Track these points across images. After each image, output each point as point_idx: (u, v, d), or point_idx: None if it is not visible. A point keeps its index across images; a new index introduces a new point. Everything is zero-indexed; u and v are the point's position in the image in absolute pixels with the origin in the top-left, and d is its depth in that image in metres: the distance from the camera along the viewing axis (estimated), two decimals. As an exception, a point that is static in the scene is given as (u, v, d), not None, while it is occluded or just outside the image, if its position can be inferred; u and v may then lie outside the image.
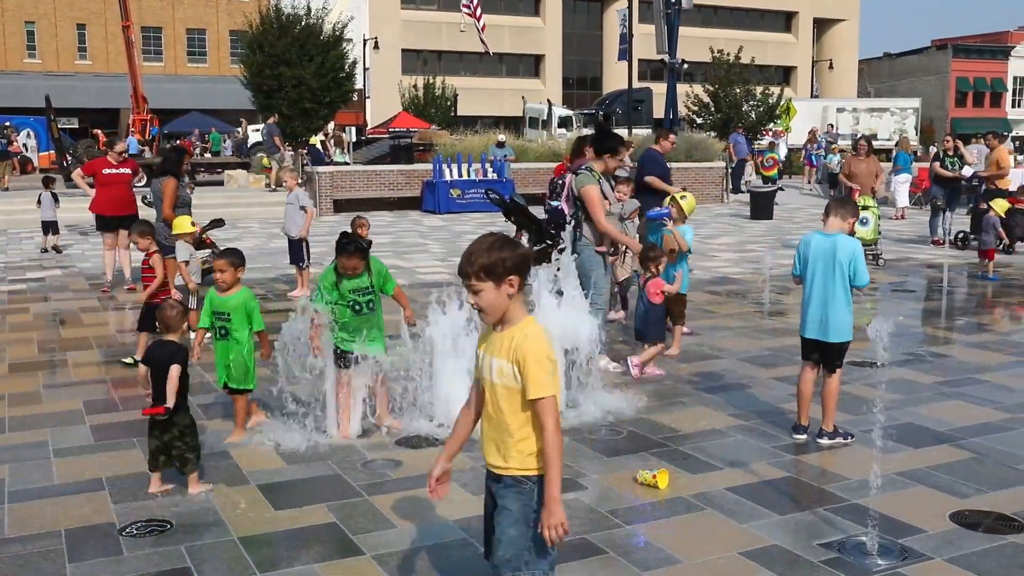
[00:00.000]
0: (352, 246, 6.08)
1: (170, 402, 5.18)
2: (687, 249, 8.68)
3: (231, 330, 6.16)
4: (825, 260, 5.89)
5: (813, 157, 31.24)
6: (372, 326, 6.28)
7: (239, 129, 39.95)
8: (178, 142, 40.34)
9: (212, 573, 4.32)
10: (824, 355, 6.04)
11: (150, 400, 5.33)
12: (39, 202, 16.37)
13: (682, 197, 9.12)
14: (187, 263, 8.79)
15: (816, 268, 5.94)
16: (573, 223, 7.73)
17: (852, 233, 6.10)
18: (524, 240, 12.23)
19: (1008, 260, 14.75)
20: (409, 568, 4.35)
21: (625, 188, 9.12)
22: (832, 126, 36.75)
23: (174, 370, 5.18)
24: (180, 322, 5.45)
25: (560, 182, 7.75)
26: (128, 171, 12.40)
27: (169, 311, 5.46)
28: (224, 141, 45.32)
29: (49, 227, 16.09)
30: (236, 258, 6.30)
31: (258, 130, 44.02)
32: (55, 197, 16.36)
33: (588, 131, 37.86)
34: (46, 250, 15.96)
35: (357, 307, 6.20)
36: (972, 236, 16.30)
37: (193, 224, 9.10)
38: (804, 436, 6.19)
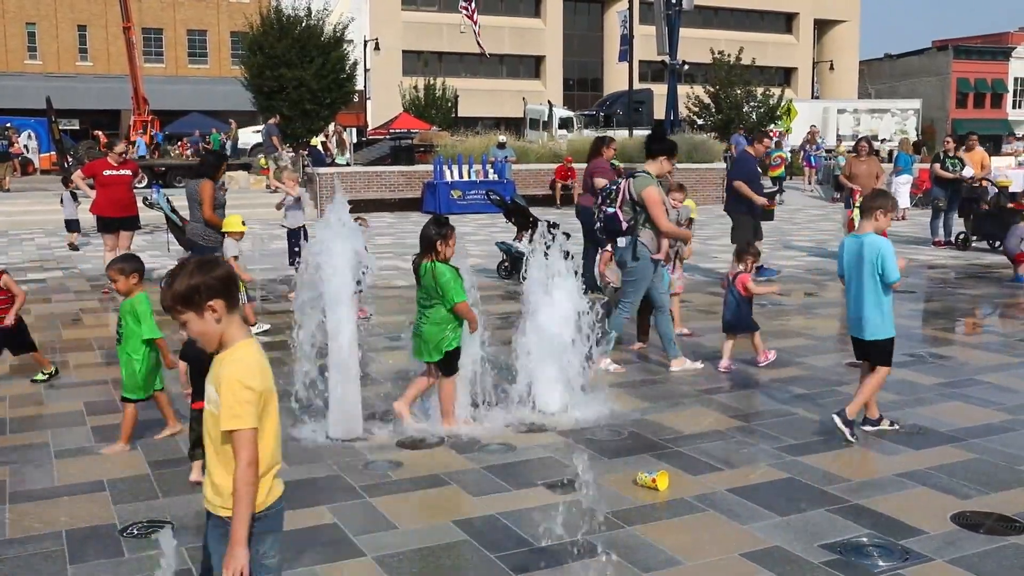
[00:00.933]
0: (447, 228, 6.13)
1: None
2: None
3: (124, 336, 6.01)
4: (857, 260, 6.09)
5: (812, 158, 31.19)
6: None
7: (228, 130, 39.75)
8: (178, 143, 40.45)
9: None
10: (865, 352, 6.22)
11: (189, 398, 5.38)
12: (62, 202, 17.27)
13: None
14: (236, 259, 9.21)
15: (851, 269, 6.16)
16: (628, 228, 7.66)
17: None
18: (525, 241, 12.26)
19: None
20: (409, 569, 4.34)
21: (679, 195, 9.22)
22: (815, 127, 36.51)
23: None
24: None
25: (614, 188, 7.76)
26: (128, 172, 12.39)
27: None
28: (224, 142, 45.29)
29: (72, 225, 16.82)
30: (128, 264, 6.12)
31: (258, 131, 44.03)
32: (73, 196, 16.90)
33: (589, 132, 38.06)
34: (75, 247, 16.60)
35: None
36: (974, 237, 16.31)
37: (243, 223, 9.58)
38: (872, 427, 6.30)
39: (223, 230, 9.56)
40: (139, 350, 6.01)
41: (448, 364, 6.25)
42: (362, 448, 6.00)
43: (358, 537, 4.68)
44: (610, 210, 7.65)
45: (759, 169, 12.26)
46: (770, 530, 4.74)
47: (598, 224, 7.87)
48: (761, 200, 11.92)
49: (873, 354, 6.18)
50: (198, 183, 10.14)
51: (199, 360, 5.23)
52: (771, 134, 37.26)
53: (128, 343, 6.02)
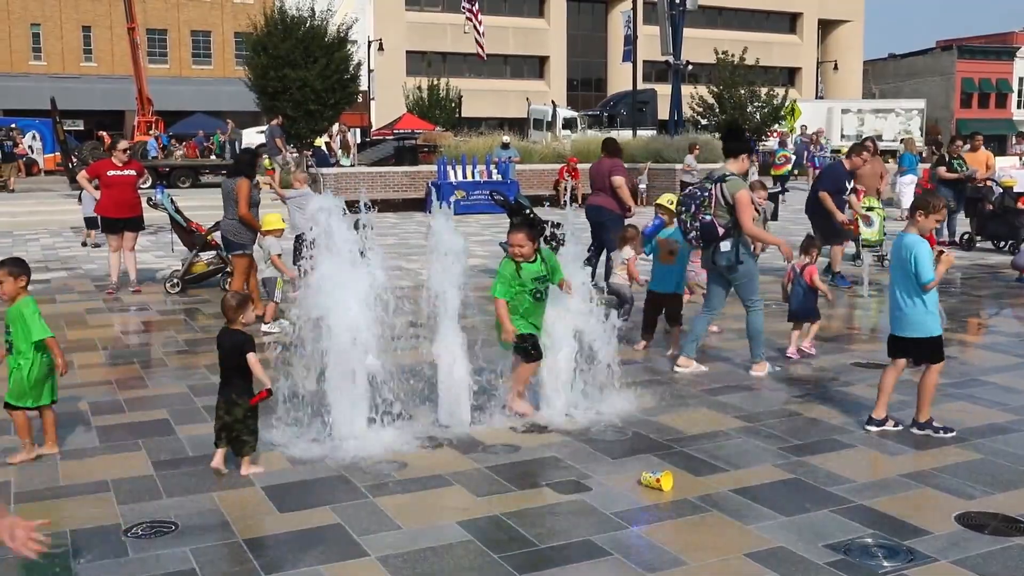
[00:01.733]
0: (518, 218, 6.26)
1: (267, 382, 5.60)
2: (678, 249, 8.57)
3: (13, 343, 5.86)
4: (896, 259, 6.28)
5: (816, 159, 31.11)
6: (542, 313, 6.61)
7: (226, 130, 39.65)
8: (184, 144, 40.50)
9: (217, 574, 4.32)
10: (906, 351, 6.32)
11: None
12: (80, 200, 17.47)
13: (669, 202, 9.09)
14: (280, 256, 9.64)
15: (892, 268, 6.38)
16: (726, 232, 7.58)
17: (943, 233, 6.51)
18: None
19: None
20: (413, 570, 4.35)
21: (763, 193, 9.31)
22: (805, 127, 36.39)
23: (251, 357, 5.53)
24: (236, 313, 5.65)
25: (705, 194, 7.64)
26: (133, 172, 12.35)
27: (230, 300, 5.72)
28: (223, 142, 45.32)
29: (91, 223, 16.83)
30: (14, 267, 5.98)
31: (262, 132, 44.03)
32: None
33: (593, 132, 38.08)
34: (98, 245, 16.82)
35: (538, 294, 6.50)
36: (978, 237, 16.29)
37: (283, 220, 9.94)
38: (875, 428, 6.33)
39: (264, 229, 9.84)
40: (28, 354, 5.78)
41: (523, 351, 6.50)
42: (366, 448, 5.99)
43: (362, 537, 4.68)
44: (707, 218, 7.56)
45: (847, 184, 12.11)
46: (774, 530, 4.74)
47: (693, 233, 7.70)
48: (841, 217, 11.73)
49: (912, 351, 6.30)
50: (235, 181, 10.35)
51: (229, 353, 5.58)
52: (775, 134, 37.33)
53: (20, 347, 5.79)
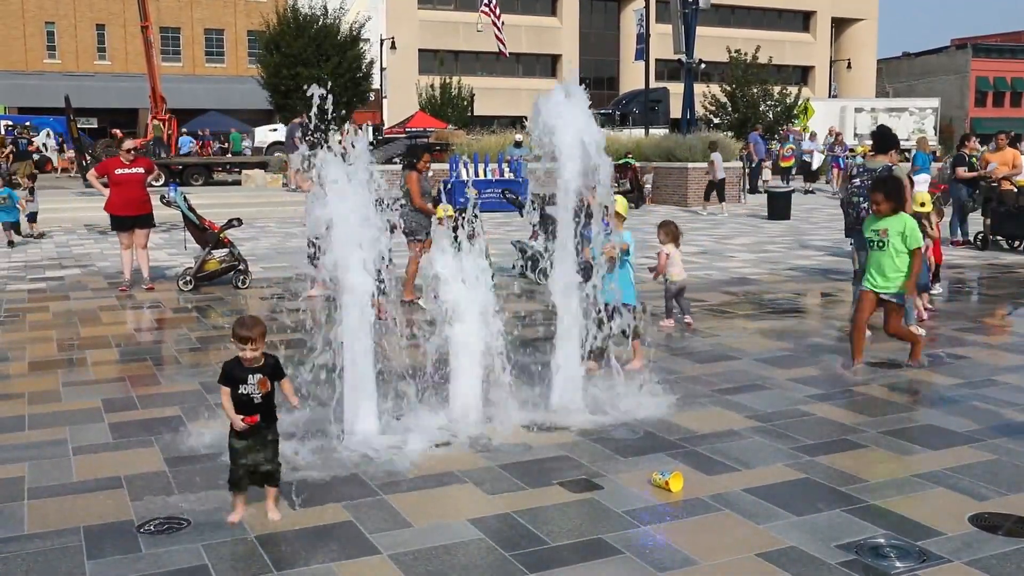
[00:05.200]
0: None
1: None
2: (627, 250, 8.25)
3: None
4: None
5: (841, 160, 30.76)
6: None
7: (242, 129, 39.78)
8: (195, 142, 40.63)
9: (229, 571, 4.33)
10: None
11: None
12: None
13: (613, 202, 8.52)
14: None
15: None
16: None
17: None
18: (540, 239, 12.29)
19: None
20: (425, 567, 4.35)
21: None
22: (834, 128, 36.25)
23: (284, 383, 4.99)
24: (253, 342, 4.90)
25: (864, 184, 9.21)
26: (141, 170, 12.35)
27: (250, 322, 4.95)
28: (243, 141, 45.47)
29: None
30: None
31: (274, 130, 44.16)
32: None
33: (605, 131, 38.00)
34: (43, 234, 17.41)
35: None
36: (997, 237, 16.19)
37: (454, 210, 10.88)
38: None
39: (437, 217, 10.64)
40: None
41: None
42: (378, 446, 6.00)
43: (373, 535, 4.69)
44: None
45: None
46: (786, 530, 4.73)
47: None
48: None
49: None
50: (404, 174, 11.11)
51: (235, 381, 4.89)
52: (784, 130, 37.21)
53: None
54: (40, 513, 5.01)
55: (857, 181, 9.72)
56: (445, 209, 11.10)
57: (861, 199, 9.34)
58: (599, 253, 7.98)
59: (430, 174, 13.01)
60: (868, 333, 8.15)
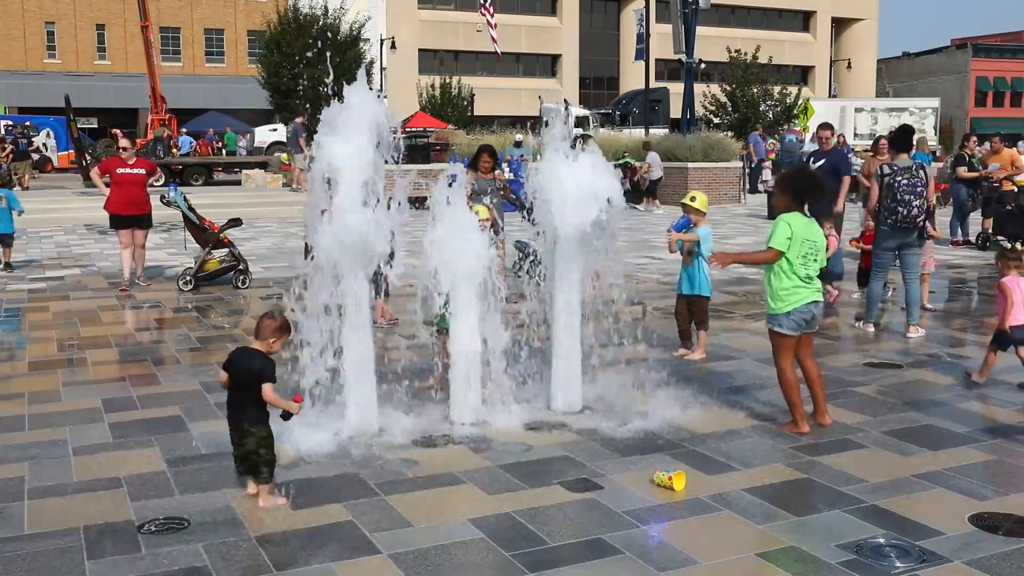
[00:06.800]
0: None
1: (292, 409, 5.12)
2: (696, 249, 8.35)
3: None
4: None
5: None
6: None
7: (239, 129, 39.71)
8: (197, 141, 40.65)
9: (229, 571, 4.33)
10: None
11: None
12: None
13: (691, 199, 8.67)
14: None
15: None
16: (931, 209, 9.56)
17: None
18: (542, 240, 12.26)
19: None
20: (425, 567, 4.35)
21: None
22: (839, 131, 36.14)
23: (267, 390, 5.03)
24: (273, 335, 5.16)
25: (918, 180, 9.13)
26: (142, 171, 12.37)
27: (267, 319, 5.20)
28: (239, 141, 45.50)
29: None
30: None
31: (274, 130, 44.13)
32: None
33: (605, 130, 38.00)
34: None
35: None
36: (998, 238, 16.19)
37: (489, 210, 10.68)
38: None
39: (479, 219, 10.82)
40: None
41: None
42: (378, 447, 6.00)
43: (374, 535, 4.69)
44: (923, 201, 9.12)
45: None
46: (787, 530, 4.73)
47: (923, 216, 9.12)
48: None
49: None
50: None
51: (241, 374, 5.06)
52: (784, 130, 37.18)
53: None
54: (40, 513, 5.01)
55: (904, 180, 9.18)
56: (481, 211, 11.07)
57: (913, 197, 9.10)
58: (680, 245, 8.21)
59: (495, 174, 12.60)
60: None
